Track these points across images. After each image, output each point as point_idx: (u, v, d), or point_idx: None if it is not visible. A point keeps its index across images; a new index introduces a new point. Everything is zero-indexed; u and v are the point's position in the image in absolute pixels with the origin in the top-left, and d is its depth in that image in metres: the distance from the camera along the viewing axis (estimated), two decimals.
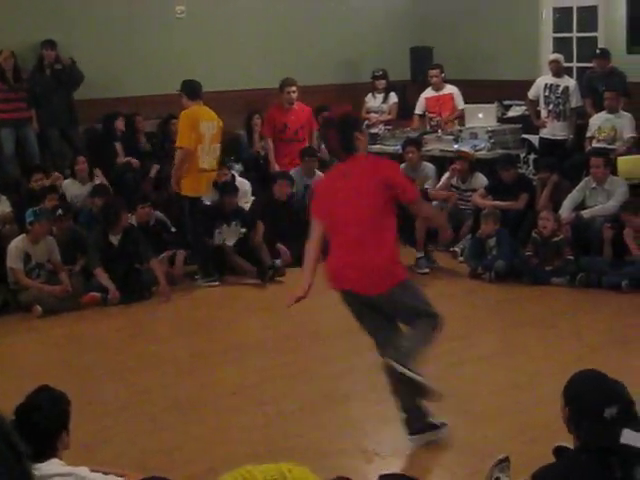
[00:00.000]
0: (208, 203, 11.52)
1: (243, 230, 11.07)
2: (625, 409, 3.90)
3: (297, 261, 11.20)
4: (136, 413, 6.99)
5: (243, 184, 12.02)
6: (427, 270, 10.63)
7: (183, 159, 10.56)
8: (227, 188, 11.28)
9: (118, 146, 12.51)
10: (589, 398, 3.93)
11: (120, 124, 12.60)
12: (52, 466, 4.34)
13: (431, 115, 13.58)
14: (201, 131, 10.59)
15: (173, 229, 11.11)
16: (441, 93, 13.58)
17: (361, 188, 5.90)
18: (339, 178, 6.04)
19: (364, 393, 7.23)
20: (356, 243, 5.86)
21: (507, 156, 11.97)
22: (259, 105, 13.55)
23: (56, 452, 4.40)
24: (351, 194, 5.89)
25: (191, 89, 10.81)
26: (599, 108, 12.01)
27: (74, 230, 10.56)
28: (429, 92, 13.63)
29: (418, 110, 13.73)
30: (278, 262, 11.16)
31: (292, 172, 12.41)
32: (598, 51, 12.50)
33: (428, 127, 13.50)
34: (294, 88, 12.86)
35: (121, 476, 4.86)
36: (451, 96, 13.54)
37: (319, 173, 12.44)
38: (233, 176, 11.98)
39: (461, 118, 13.30)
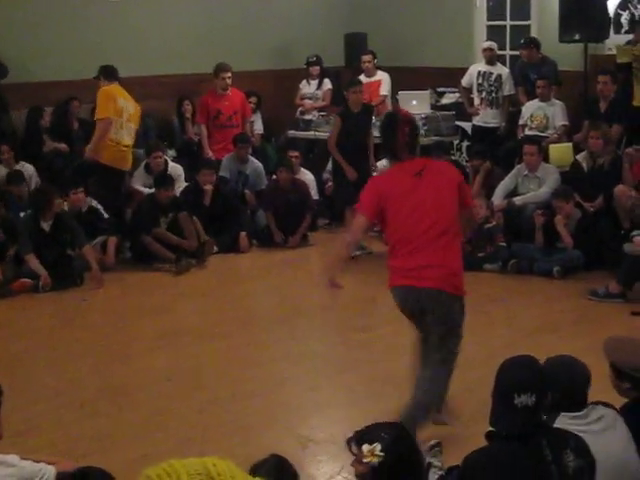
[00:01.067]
0: (145, 190, 11.46)
1: (171, 214, 10.95)
2: (539, 398, 3.94)
3: (224, 248, 11.20)
4: (68, 400, 6.93)
5: (176, 169, 11.95)
6: (358, 253, 10.49)
7: (105, 129, 10.78)
8: (163, 181, 11.14)
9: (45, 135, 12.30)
10: (503, 384, 3.99)
11: (45, 118, 12.42)
12: None
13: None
14: (119, 105, 10.91)
15: (106, 215, 11.00)
16: (372, 79, 13.60)
17: (442, 189, 5.80)
18: (408, 177, 5.82)
19: (298, 379, 7.24)
20: (439, 245, 5.75)
21: (439, 143, 12.06)
22: (191, 91, 13.45)
23: None
24: (430, 194, 5.76)
25: (108, 71, 11.21)
26: (531, 96, 12.11)
27: (4, 217, 10.42)
28: (362, 78, 13.65)
29: None
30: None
31: (225, 159, 12.37)
32: (522, 41, 12.60)
33: None
34: (229, 74, 12.77)
35: (52, 463, 4.82)
36: (379, 83, 13.57)
37: (252, 159, 12.44)
38: (166, 161, 11.91)
39: (383, 105, 13.30)
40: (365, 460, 3.56)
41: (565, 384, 4.24)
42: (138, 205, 11.15)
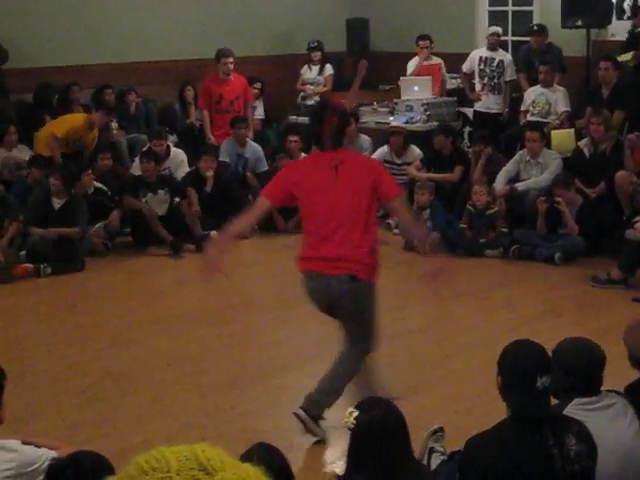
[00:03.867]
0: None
1: (177, 199, 10.97)
2: (552, 380, 3.97)
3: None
4: (69, 385, 6.94)
5: (178, 154, 11.94)
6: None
7: None
8: (147, 156, 11.17)
9: (48, 118, 12.29)
10: (522, 368, 3.97)
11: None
12: None
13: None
14: None
15: (116, 197, 11.06)
16: (432, 62, 13.52)
17: (355, 185, 5.75)
18: (324, 168, 5.81)
19: (299, 364, 7.24)
20: (341, 237, 5.72)
21: (446, 125, 12.07)
22: (193, 76, 13.44)
23: None
24: (342, 189, 5.73)
25: None
26: (534, 82, 12.08)
27: (4, 197, 10.40)
28: (418, 60, 13.58)
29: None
30: (214, 233, 11.14)
31: (224, 143, 12.35)
32: (535, 27, 12.55)
33: None
34: (231, 59, 12.76)
35: (54, 449, 4.81)
36: (439, 65, 13.52)
37: (252, 142, 12.42)
38: (169, 147, 11.90)
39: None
40: (344, 421, 3.90)
41: (583, 368, 4.24)
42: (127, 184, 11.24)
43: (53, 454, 4.62)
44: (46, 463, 4.44)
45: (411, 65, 13.65)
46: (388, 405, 3.94)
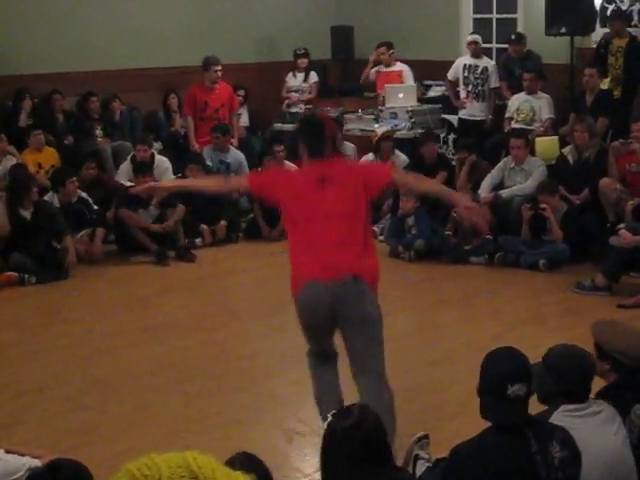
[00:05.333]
0: (127, 183, 11.45)
1: (155, 213, 10.95)
2: (529, 388, 3.98)
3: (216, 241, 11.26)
4: (53, 394, 6.91)
5: (163, 162, 11.93)
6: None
7: None
8: (141, 168, 11.15)
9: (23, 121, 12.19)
10: (493, 375, 3.99)
11: (27, 103, 12.30)
12: None
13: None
14: None
15: (95, 207, 11.02)
16: (391, 69, 13.54)
17: (346, 192, 5.48)
18: (314, 178, 5.51)
19: (284, 372, 7.23)
20: (337, 244, 5.40)
21: (430, 131, 12.13)
22: (177, 84, 13.43)
23: None
24: (334, 196, 5.45)
25: None
26: (516, 91, 12.12)
27: None
28: (381, 68, 13.61)
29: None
30: (198, 241, 11.16)
31: (206, 148, 12.39)
32: (513, 37, 12.58)
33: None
34: (219, 67, 12.76)
35: (37, 457, 4.81)
36: (399, 73, 13.52)
37: (234, 149, 12.44)
38: (153, 154, 11.89)
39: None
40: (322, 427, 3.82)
41: (575, 373, 4.25)
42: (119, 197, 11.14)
43: (36, 463, 4.61)
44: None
45: (372, 73, 13.70)
46: (364, 412, 3.71)
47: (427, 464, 4.95)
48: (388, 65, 13.58)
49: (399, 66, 13.59)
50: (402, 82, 13.42)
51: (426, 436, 5.27)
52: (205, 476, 1.73)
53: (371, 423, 3.66)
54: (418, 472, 4.93)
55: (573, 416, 4.19)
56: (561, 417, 4.17)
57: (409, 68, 13.54)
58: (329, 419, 3.70)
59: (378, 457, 3.65)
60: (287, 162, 12.19)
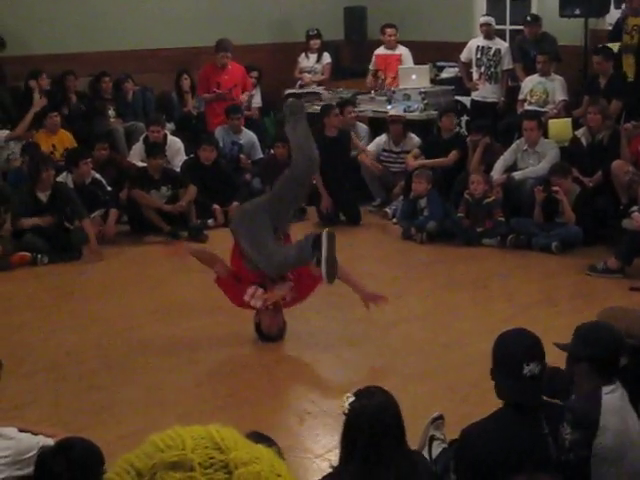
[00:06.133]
0: (139, 164, 11.46)
1: (168, 194, 10.95)
2: (543, 367, 3.99)
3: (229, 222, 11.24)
4: (65, 373, 6.93)
5: (175, 142, 11.94)
6: None
7: None
8: (154, 152, 11.12)
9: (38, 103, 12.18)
10: (508, 355, 3.99)
11: (43, 82, 12.28)
12: None
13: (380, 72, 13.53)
14: None
15: (109, 188, 11.03)
16: (392, 52, 13.51)
17: None
18: None
19: (296, 353, 7.25)
20: None
21: (452, 102, 12.13)
22: (190, 64, 13.41)
23: None
24: None
25: None
26: (530, 72, 12.08)
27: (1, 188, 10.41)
28: (381, 50, 13.59)
29: (371, 66, 13.70)
30: (211, 222, 11.16)
31: (217, 129, 12.38)
32: (529, 18, 12.53)
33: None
34: (228, 54, 12.76)
35: (51, 436, 4.83)
36: (399, 57, 13.49)
37: (246, 130, 12.43)
38: (166, 135, 11.89)
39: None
40: (340, 406, 3.90)
41: (606, 342, 4.20)
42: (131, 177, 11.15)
43: (49, 442, 4.63)
44: None
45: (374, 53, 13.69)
46: (384, 395, 3.89)
47: (443, 445, 4.96)
48: (391, 48, 13.53)
49: (399, 49, 13.54)
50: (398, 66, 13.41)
51: (441, 416, 5.27)
52: (228, 447, 1.76)
53: (392, 404, 3.79)
54: (434, 453, 4.93)
55: (615, 398, 4.17)
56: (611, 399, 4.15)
57: (409, 51, 13.50)
58: (351, 399, 3.78)
59: (396, 436, 3.80)
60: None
